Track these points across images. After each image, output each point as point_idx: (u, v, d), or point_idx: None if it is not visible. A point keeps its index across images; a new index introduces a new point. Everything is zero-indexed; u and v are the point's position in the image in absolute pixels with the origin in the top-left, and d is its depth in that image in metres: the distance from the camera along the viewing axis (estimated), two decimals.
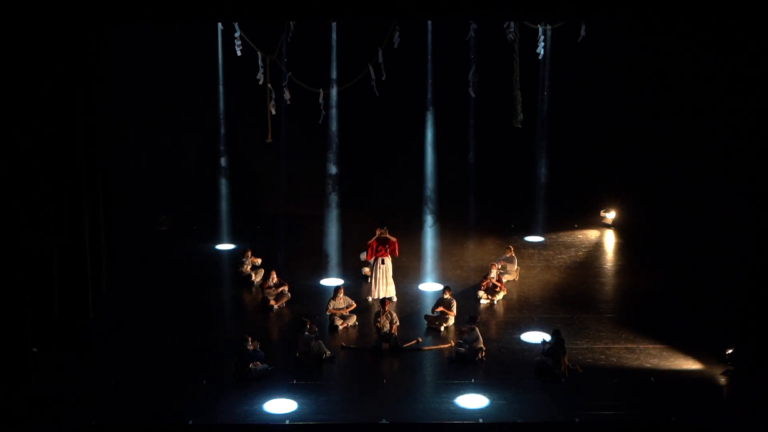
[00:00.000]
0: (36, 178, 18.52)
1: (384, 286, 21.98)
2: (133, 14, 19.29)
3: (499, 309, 21.79)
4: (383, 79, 24.17)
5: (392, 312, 19.89)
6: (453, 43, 25.22)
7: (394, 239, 22.18)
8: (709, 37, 19.35)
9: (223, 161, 27.69)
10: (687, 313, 20.67)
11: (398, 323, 19.67)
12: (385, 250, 22.01)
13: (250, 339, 18.45)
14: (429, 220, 26.62)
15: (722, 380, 17.98)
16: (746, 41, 18.18)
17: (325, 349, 18.90)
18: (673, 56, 21.88)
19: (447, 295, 20.88)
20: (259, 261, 23.59)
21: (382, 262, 21.98)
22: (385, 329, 19.49)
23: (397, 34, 23.26)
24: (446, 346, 19.52)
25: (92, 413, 16.65)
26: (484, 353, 18.83)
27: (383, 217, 23.98)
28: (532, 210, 27.47)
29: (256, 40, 24.00)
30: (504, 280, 22.59)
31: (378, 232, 22.18)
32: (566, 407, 17.00)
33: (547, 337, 18.63)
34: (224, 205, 27.55)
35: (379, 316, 19.68)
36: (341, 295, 20.94)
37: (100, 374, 18.14)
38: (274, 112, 24.90)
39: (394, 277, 22.21)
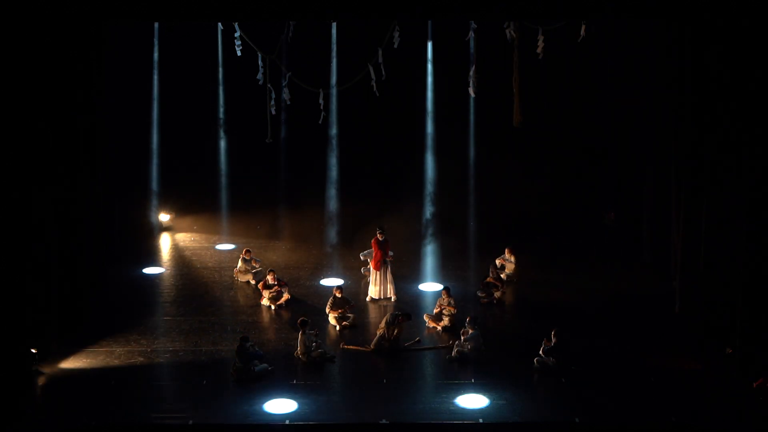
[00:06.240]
0: (36, 177, 18.49)
1: (384, 286, 21.99)
2: (133, 14, 19.30)
3: (499, 309, 21.79)
4: (383, 79, 24.16)
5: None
6: (453, 43, 25.20)
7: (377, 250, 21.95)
8: (708, 36, 19.34)
9: (221, 161, 27.69)
10: (687, 313, 20.67)
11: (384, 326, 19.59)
12: (384, 253, 22.04)
13: (249, 339, 18.45)
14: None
15: (722, 380, 17.96)
16: (747, 41, 18.18)
17: (326, 349, 18.89)
18: (672, 55, 21.86)
19: (446, 296, 20.87)
20: (258, 261, 23.58)
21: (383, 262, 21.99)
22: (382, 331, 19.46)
23: (397, 34, 23.24)
24: (446, 346, 19.53)
25: (92, 413, 16.64)
26: (484, 353, 18.84)
27: (383, 217, 23.95)
28: (531, 210, 27.43)
29: (256, 40, 23.98)
30: (504, 280, 22.59)
31: (378, 235, 22.15)
32: (566, 407, 16.99)
33: (548, 337, 18.64)
34: (223, 205, 27.55)
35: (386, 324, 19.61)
36: (341, 295, 20.93)
37: (100, 374, 18.14)
38: (274, 112, 24.91)
39: (393, 276, 22.23)
